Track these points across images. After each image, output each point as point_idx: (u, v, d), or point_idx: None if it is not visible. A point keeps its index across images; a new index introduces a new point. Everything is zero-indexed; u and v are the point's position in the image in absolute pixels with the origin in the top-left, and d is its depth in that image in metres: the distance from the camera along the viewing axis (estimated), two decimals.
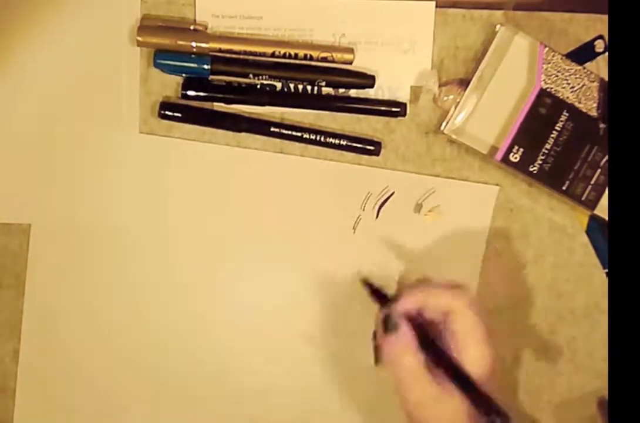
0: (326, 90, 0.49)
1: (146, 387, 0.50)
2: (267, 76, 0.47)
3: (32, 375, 0.49)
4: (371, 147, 0.49)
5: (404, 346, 0.40)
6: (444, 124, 0.48)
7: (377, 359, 0.42)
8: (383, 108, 0.48)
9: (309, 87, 0.49)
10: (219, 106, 0.48)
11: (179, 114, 0.47)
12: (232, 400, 0.51)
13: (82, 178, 0.48)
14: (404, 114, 0.49)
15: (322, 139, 0.48)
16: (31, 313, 0.49)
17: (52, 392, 0.50)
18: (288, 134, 0.48)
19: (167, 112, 0.47)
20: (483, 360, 0.40)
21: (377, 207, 0.50)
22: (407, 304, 0.41)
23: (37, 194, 0.48)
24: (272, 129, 0.48)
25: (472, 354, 0.40)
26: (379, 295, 0.43)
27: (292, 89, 0.49)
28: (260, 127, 0.48)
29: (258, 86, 0.48)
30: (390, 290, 0.44)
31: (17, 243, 0.48)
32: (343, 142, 0.48)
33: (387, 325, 0.41)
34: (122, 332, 0.50)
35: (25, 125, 0.48)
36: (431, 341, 0.40)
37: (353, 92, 0.49)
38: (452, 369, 0.39)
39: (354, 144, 0.49)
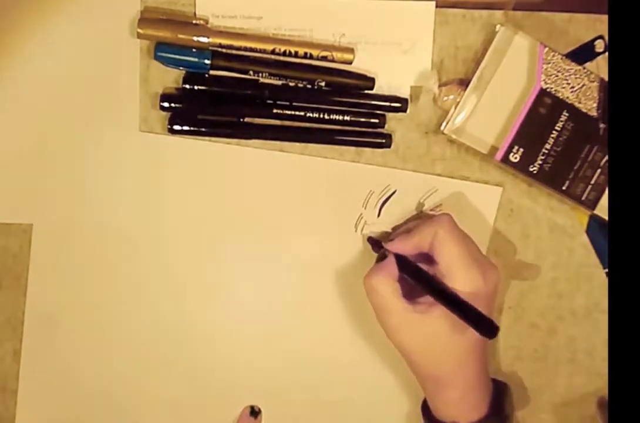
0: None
1: (147, 386, 0.50)
2: (267, 74, 0.47)
3: (33, 375, 0.49)
4: (382, 141, 0.49)
5: (383, 276, 0.43)
6: (444, 124, 0.48)
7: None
8: (384, 103, 0.48)
9: (308, 87, 0.49)
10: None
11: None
12: (235, 397, 0.51)
13: (83, 177, 0.48)
14: (405, 110, 0.49)
15: (332, 135, 0.49)
16: (33, 312, 0.49)
17: (54, 392, 0.50)
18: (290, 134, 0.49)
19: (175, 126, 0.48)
20: (473, 282, 0.42)
21: (378, 205, 0.50)
22: (398, 245, 0.45)
23: (37, 194, 0.48)
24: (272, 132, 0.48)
25: (460, 278, 0.42)
26: (379, 246, 0.47)
27: (293, 86, 0.49)
28: (263, 130, 0.49)
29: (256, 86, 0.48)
30: None
31: (18, 243, 0.48)
32: (353, 138, 0.49)
33: (378, 259, 0.47)
34: (124, 332, 0.50)
35: (25, 124, 0.48)
36: (418, 271, 0.44)
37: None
38: (440, 292, 0.42)
39: (363, 139, 0.49)
